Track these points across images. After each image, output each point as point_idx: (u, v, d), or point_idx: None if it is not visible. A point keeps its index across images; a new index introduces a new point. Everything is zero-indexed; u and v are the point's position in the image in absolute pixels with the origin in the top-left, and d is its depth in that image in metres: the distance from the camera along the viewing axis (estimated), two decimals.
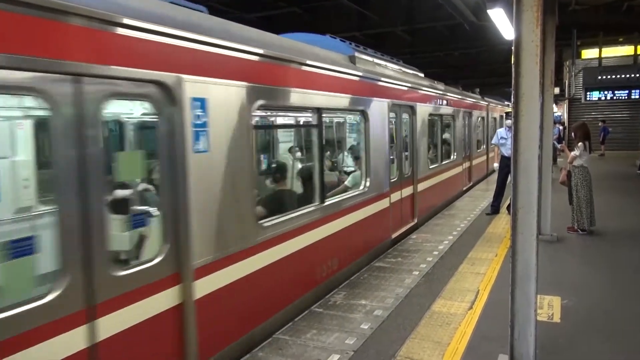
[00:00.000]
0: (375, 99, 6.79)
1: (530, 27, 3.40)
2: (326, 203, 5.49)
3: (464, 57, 21.63)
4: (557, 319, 4.58)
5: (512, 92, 3.49)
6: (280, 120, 7.91)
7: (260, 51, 4.26)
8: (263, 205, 4.95)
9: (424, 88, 9.36)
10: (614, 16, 13.40)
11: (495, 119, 18.43)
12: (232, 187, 3.90)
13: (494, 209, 9.77)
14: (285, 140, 8.89)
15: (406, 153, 8.52)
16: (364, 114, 6.56)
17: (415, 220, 8.59)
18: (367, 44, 9.35)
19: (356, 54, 6.64)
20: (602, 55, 20.29)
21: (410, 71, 9.35)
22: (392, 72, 8.06)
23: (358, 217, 6.27)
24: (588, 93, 19.92)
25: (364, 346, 4.12)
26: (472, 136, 14.13)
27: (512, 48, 3.48)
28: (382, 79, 7.18)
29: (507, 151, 9.42)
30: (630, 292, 5.27)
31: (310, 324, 4.60)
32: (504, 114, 19.74)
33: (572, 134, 8.15)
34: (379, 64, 7.59)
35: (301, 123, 7.67)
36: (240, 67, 4.03)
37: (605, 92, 19.51)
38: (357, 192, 6.43)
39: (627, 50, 21.50)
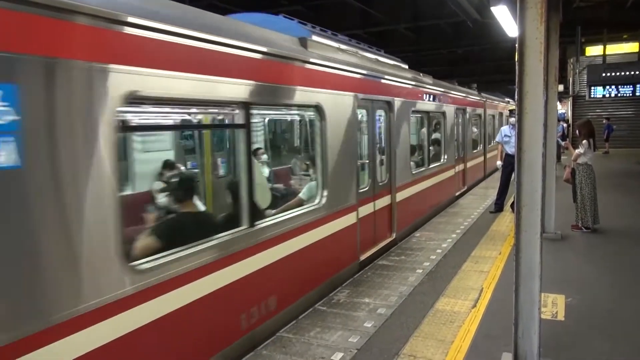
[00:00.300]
0: (335, 91, 5.61)
1: (534, 25, 3.38)
2: (258, 226, 4.24)
3: (468, 55, 21.63)
4: (561, 317, 4.57)
5: (516, 89, 3.47)
6: (179, 118, 5.74)
7: (130, 20, 2.98)
8: (156, 236, 3.74)
9: (405, 81, 8.06)
10: (618, 13, 13.37)
11: (493, 116, 17.23)
12: (77, 217, 2.69)
13: (498, 206, 9.76)
14: (195, 146, 6.79)
15: (383, 157, 7.28)
16: (319, 110, 5.31)
17: (394, 236, 7.40)
18: (370, 42, 9.33)
19: (312, 37, 5.54)
20: (607, 52, 20.26)
21: (390, 61, 8.18)
22: (363, 61, 6.87)
23: (310, 239, 5.04)
24: (592, 90, 19.90)
25: (367, 344, 4.12)
26: (467, 136, 12.93)
27: (516, 45, 3.46)
28: (347, 68, 5.93)
29: (511, 149, 9.39)
30: (634, 291, 5.25)
31: (313, 322, 4.61)
32: (508, 112, 19.56)
33: (577, 131, 8.13)
34: (345, 50, 6.36)
35: (217, 122, 5.63)
36: (89, 40, 2.77)
37: (610, 89, 19.50)
38: (308, 208, 5.20)
39: (631, 47, 21.49)
